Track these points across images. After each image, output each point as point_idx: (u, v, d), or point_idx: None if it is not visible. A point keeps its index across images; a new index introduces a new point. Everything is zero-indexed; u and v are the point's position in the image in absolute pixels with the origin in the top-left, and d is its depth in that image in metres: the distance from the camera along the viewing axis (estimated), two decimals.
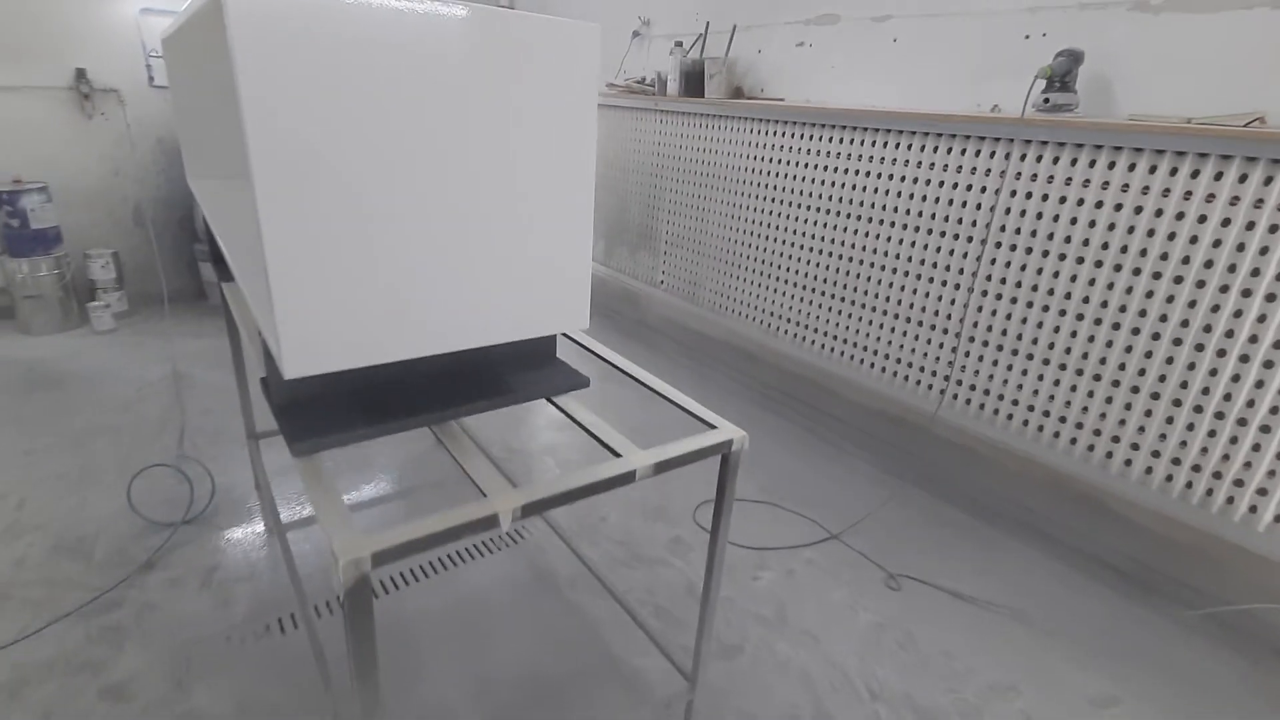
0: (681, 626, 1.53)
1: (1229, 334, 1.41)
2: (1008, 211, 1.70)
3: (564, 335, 1.11)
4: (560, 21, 0.71)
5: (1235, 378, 1.42)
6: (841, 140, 2.06)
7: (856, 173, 2.03)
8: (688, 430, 0.97)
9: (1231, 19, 1.49)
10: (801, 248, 2.25)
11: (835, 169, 2.10)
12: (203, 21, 0.77)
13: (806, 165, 2.18)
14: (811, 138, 2.15)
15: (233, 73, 0.53)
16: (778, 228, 2.32)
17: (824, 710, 1.34)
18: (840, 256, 2.12)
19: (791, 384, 2.55)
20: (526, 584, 1.64)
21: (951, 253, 1.83)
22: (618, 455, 0.90)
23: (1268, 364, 1.37)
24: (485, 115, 0.69)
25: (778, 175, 2.28)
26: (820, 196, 2.15)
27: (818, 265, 2.21)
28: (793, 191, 2.25)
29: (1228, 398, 1.43)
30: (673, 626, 1.53)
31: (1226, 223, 1.38)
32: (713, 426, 0.99)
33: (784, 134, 2.24)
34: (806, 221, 2.22)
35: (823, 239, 2.18)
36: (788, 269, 2.32)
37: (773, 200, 2.32)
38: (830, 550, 1.83)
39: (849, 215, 2.07)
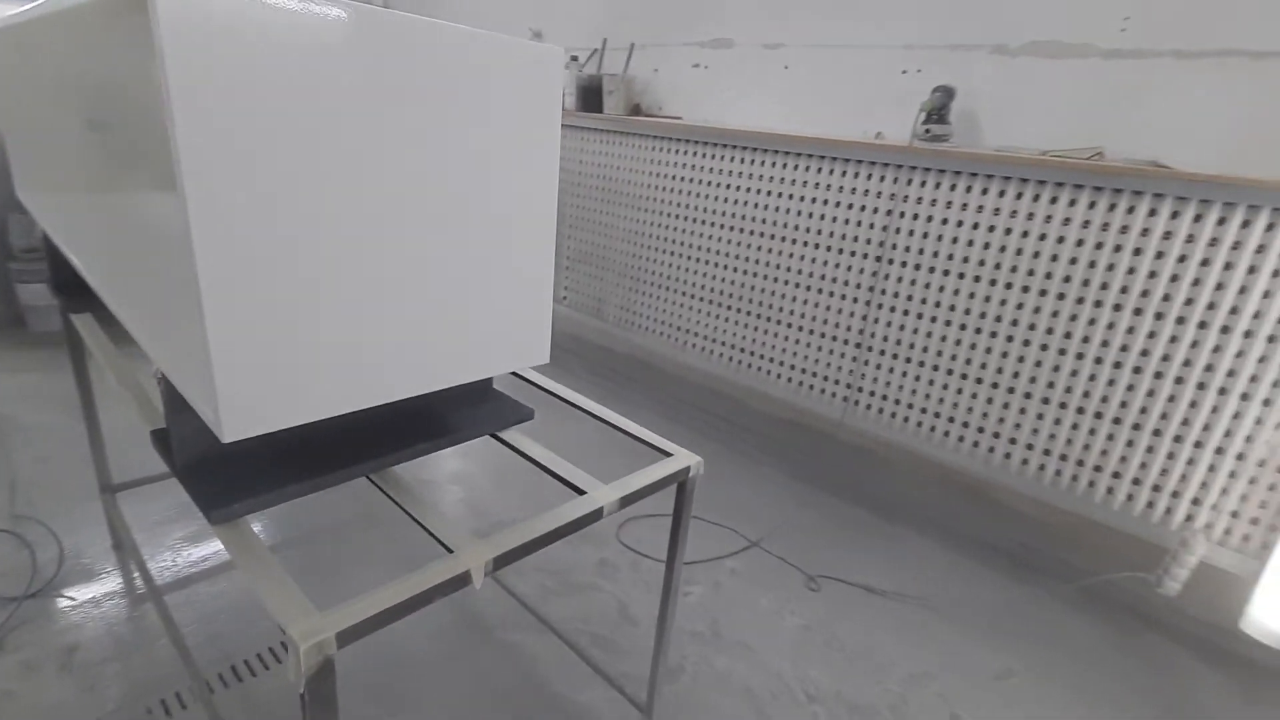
0: (622, 654, 1.51)
1: (1085, 339, 1.62)
2: (898, 231, 1.84)
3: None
4: (523, 42, 0.68)
5: (1091, 377, 1.62)
6: (741, 160, 2.14)
7: (757, 191, 2.12)
8: (619, 454, 0.95)
9: (1073, 65, 1.72)
10: (707, 263, 2.31)
11: (736, 187, 2.17)
12: (91, 15, 0.65)
13: (708, 183, 2.25)
14: (712, 156, 2.22)
15: (164, 75, 0.45)
16: (682, 244, 2.37)
17: (767, 717, 1.37)
18: (745, 272, 2.20)
19: (701, 397, 2.61)
20: (454, 632, 1.53)
21: (849, 268, 1.95)
22: (581, 492, 0.86)
23: (1116, 365, 1.59)
24: (443, 140, 0.64)
25: (680, 193, 2.33)
26: (723, 214, 2.22)
27: (724, 280, 2.28)
28: (696, 209, 2.30)
29: (1086, 394, 1.64)
30: (614, 655, 1.50)
31: (1080, 243, 1.59)
32: (669, 454, 0.98)
33: (685, 152, 2.29)
34: (711, 238, 2.28)
35: (728, 255, 2.25)
36: (694, 284, 2.37)
37: (676, 217, 2.37)
38: (752, 558, 1.88)
39: (752, 232, 2.15)
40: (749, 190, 2.14)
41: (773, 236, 2.10)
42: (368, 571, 1.69)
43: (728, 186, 2.20)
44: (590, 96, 2.61)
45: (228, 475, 0.76)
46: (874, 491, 2.23)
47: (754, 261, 2.17)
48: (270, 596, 0.61)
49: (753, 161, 2.11)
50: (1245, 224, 1.39)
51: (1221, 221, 1.41)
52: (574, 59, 2.75)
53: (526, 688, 1.40)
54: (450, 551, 0.72)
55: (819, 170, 1.96)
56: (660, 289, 2.49)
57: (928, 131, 1.79)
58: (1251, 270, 1.40)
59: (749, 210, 2.15)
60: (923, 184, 1.78)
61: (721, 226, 2.24)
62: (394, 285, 0.64)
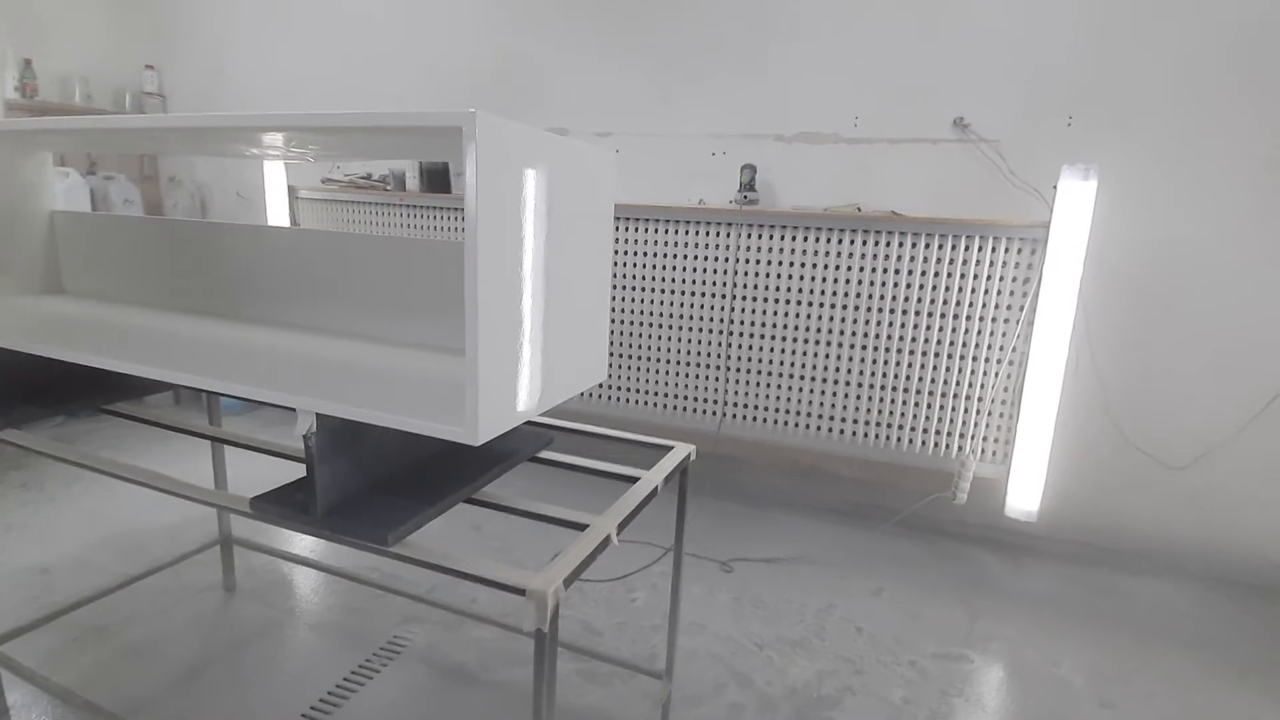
0: (600, 658, 1.69)
1: (877, 335, 2.25)
2: (736, 273, 2.35)
3: None
4: (600, 150, 0.96)
5: (885, 361, 2.25)
6: None
7: (618, 253, 2.51)
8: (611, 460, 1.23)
9: (829, 148, 2.42)
10: None
11: None
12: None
13: None
14: None
15: (474, 175, 0.67)
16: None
17: (737, 670, 1.67)
18: (619, 321, 2.56)
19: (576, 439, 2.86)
20: (438, 687, 1.58)
21: (705, 306, 2.41)
22: (634, 479, 1.11)
23: (898, 350, 2.24)
24: (581, 216, 0.90)
25: None
26: None
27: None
28: None
29: (882, 375, 2.26)
30: (595, 659, 1.68)
31: (861, 269, 2.23)
32: (670, 448, 1.27)
33: None
34: None
35: None
36: None
37: None
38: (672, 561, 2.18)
39: (621, 286, 2.53)
40: (616, 253, 2.52)
41: (638, 289, 2.50)
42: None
43: None
44: (437, 178, 2.80)
45: (366, 512, 0.88)
46: (745, 488, 2.69)
47: (626, 312, 2.53)
48: (495, 572, 0.78)
49: (616, 229, 2.50)
50: (954, 246, 2.12)
51: (941, 246, 2.13)
52: None
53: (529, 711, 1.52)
54: (583, 527, 0.93)
55: (667, 231, 2.42)
56: None
57: (744, 197, 2.35)
58: (962, 275, 2.13)
59: (616, 269, 2.52)
60: (748, 236, 2.32)
61: None
62: (558, 325, 0.87)
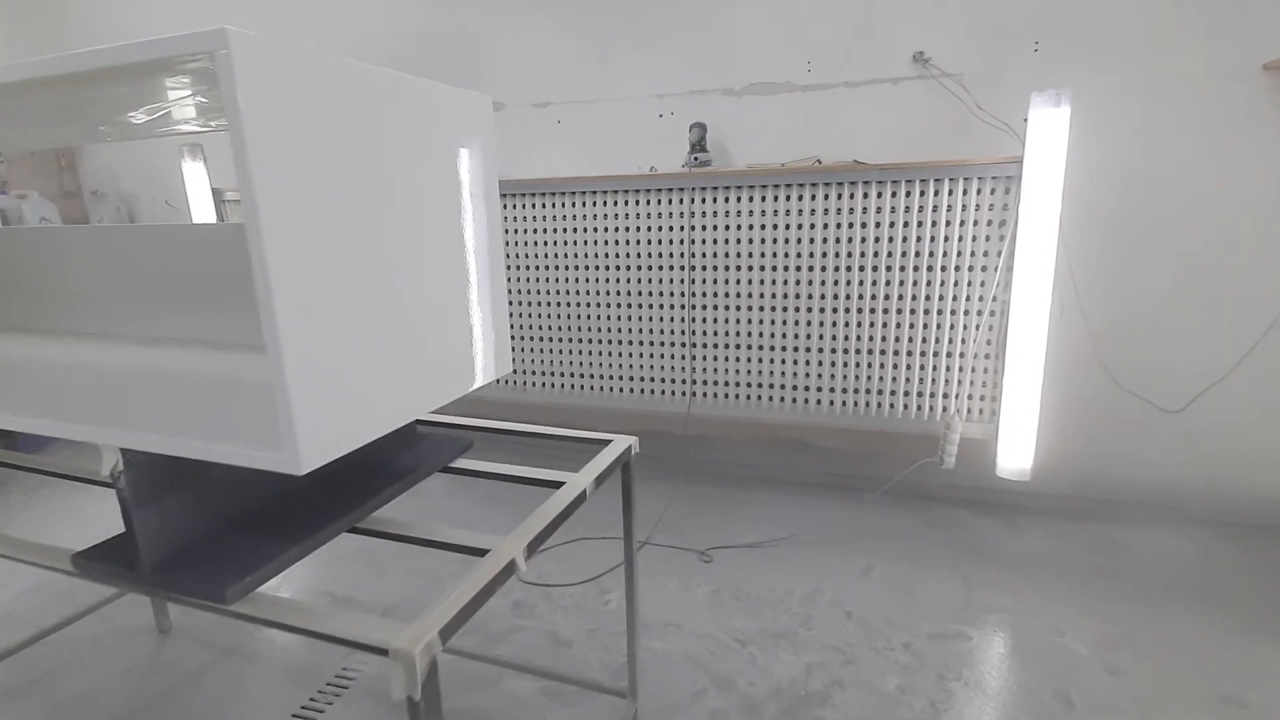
0: (570, 672, 1.55)
1: (847, 296, 2.09)
2: (693, 241, 2.18)
3: None
4: (463, 91, 0.79)
5: (859, 324, 2.10)
6: (540, 205, 2.34)
7: (564, 230, 2.33)
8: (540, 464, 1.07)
9: (782, 98, 2.23)
10: (532, 304, 2.45)
11: (546, 230, 2.36)
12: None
13: (519, 231, 2.40)
14: (509, 206, 2.38)
15: (239, 116, 0.49)
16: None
17: (717, 673, 1.53)
18: (572, 304, 2.39)
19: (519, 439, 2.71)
20: None
21: (662, 280, 2.24)
22: (559, 484, 0.96)
23: (871, 310, 2.08)
24: (426, 173, 0.72)
25: None
26: (538, 256, 2.39)
27: (552, 316, 2.43)
28: (513, 255, 2.43)
29: (857, 338, 2.11)
30: (569, 674, 1.54)
31: (825, 225, 2.06)
32: (609, 441, 1.11)
33: None
34: (532, 280, 2.43)
35: (551, 291, 2.41)
36: (524, 325, 2.49)
37: None
38: (648, 555, 2.04)
39: (568, 266, 2.35)
40: (556, 230, 2.34)
41: (586, 267, 2.32)
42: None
43: (535, 230, 2.37)
44: None
45: (210, 562, 0.72)
46: (722, 469, 2.55)
47: (576, 293, 2.36)
48: (349, 629, 0.62)
49: (549, 205, 2.32)
50: (922, 192, 1.96)
51: (909, 193, 1.97)
52: None
53: None
54: (484, 553, 0.77)
55: (615, 203, 2.24)
56: None
57: (695, 159, 2.17)
58: (934, 223, 1.97)
59: (559, 248, 2.35)
60: (702, 200, 2.14)
61: (537, 268, 2.40)
62: (411, 309, 0.69)
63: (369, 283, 0.63)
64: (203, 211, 2.88)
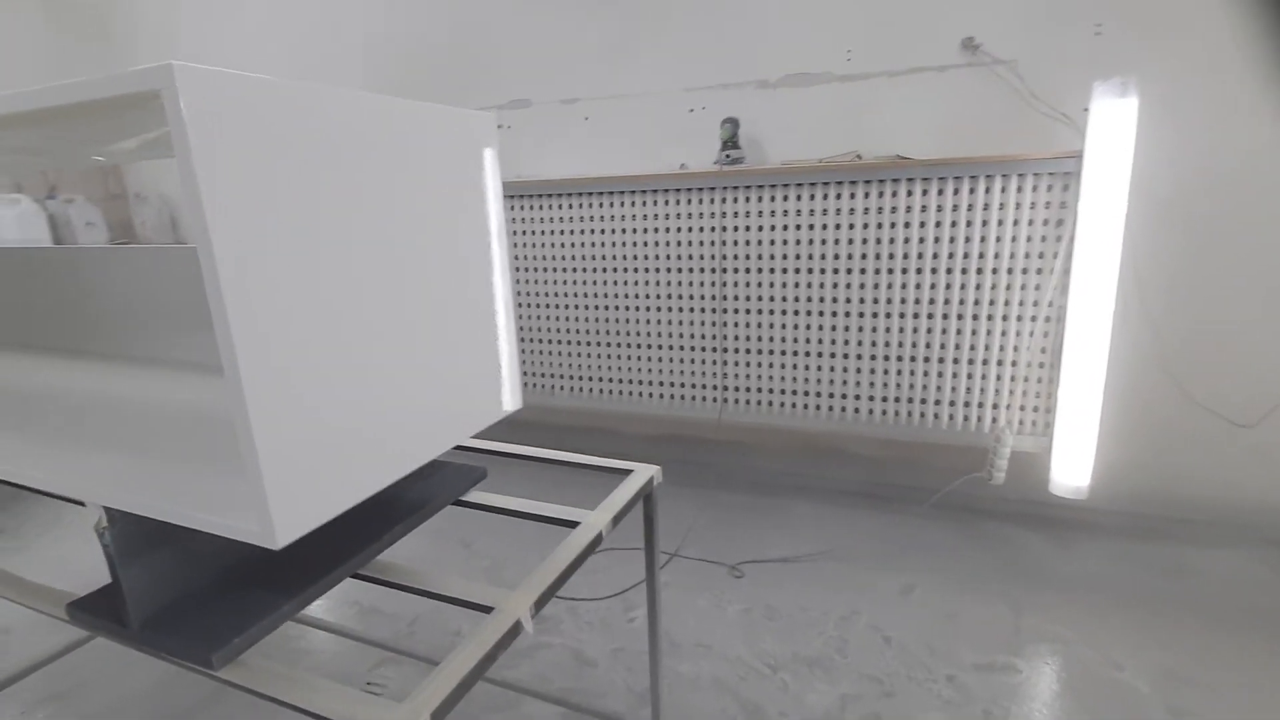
0: (595, 695, 1.50)
1: (888, 300, 1.98)
2: (724, 243, 2.09)
3: None
4: (457, 110, 0.73)
5: (900, 329, 1.99)
6: (569, 206, 2.28)
7: (592, 231, 2.26)
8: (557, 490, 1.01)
9: (820, 90, 2.12)
10: (557, 307, 2.39)
11: (574, 231, 2.30)
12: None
13: (539, 232, 2.35)
14: (537, 207, 2.32)
15: (187, 151, 0.44)
16: (530, 292, 2.43)
17: (747, 700, 1.46)
18: (599, 307, 2.32)
19: (574, 436, 2.66)
20: None
21: (693, 283, 2.16)
22: (574, 524, 0.90)
23: (915, 315, 1.96)
24: (409, 201, 0.66)
25: (517, 245, 2.39)
26: (568, 258, 2.33)
27: (579, 319, 2.38)
28: (536, 257, 2.38)
29: (900, 344, 2.00)
30: (589, 698, 1.49)
31: (865, 225, 1.95)
32: (629, 472, 1.05)
33: (510, 206, 2.36)
34: (559, 282, 2.37)
35: (579, 294, 2.35)
36: (548, 329, 2.44)
37: (518, 269, 2.42)
38: (676, 568, 1.98)
39: (596, 269, 2.29)
40: (583, 232, 2.28)
41: (616, 269, 2.26)
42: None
43: (560, 232, 2.31)
44: None
45: (202, 619, 0.68)
46: (754, 477, 2.46)
47: (606, 296, 2.30)
48: (345, 710, 0.57)
49: (576, 206, 2.26)
50: (971, 189, 1.83)
51: (956, 190, 1.84)
52: None
53: None
54: (489, 610, 0.72)
55: (643, 204, 2.16)
56: (522, 340, 2.51)
57: (727, 157, 2.08)
58: (984, 223, 1.84)
59: (587, 250, 2.28)
60: (735, 200, 2.05)
61: (564, 270, 2.34)
62: (400, 356, 0.64)
63: (349, 330, 0.58)
64: None
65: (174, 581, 0.69)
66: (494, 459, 1.13)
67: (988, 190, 1.81)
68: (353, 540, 0.81)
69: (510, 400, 0.83)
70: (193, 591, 0.71)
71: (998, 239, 1.83)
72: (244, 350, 0.47)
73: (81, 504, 0.94)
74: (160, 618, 0.67)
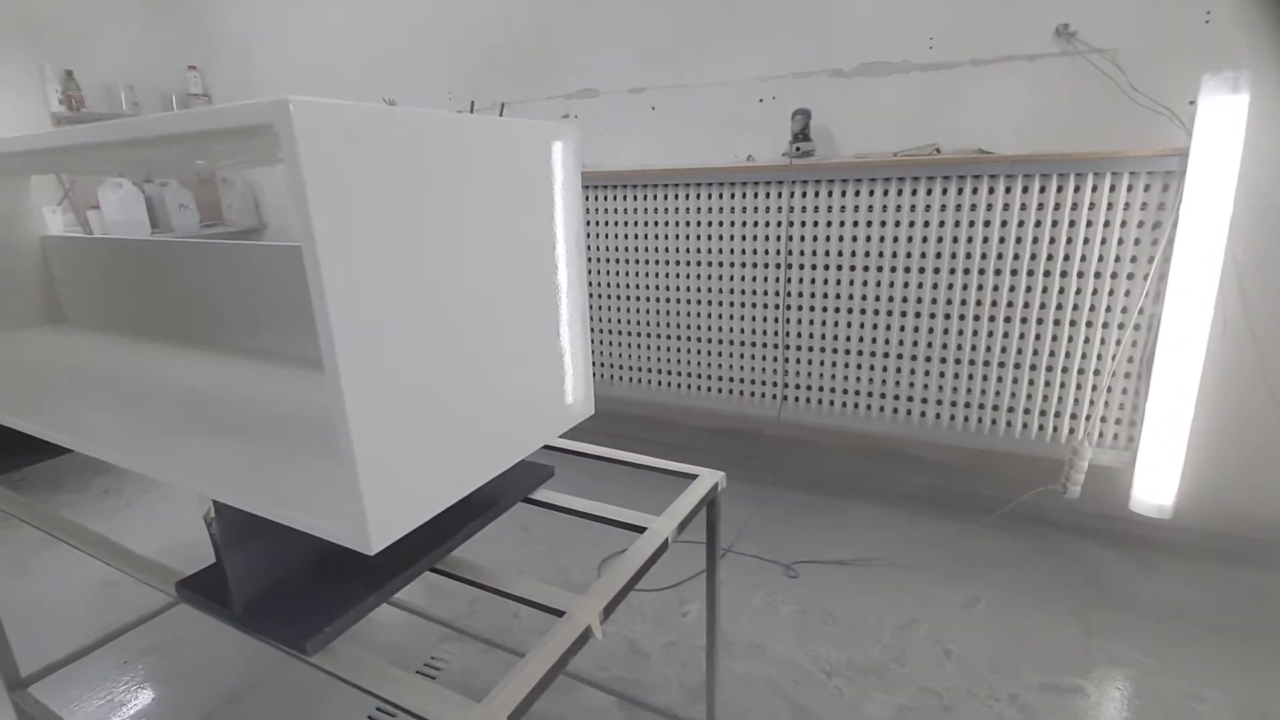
0: (646, 688, 1.53)
1: (963, 302, 1.90)
2: (790, 238, 2.05)
3: None
4: (540, 122, 0.74)
5: (974, 332, 1.91)
6: (633, 197, 2.28)
7: (656, 224, 2.26)
8: (621, 489, 1.02)
9: (898, 79, 2.04)
10: (624, 297, 2.41)
11: (639, 223, 2.30)
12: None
13: (602, 223, 2.36)
14: (602, 198, 2.33)
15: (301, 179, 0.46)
16: (592, 283, 2.45)
17: (801, 705, 1.46)
18: (660, 299, 2.33)
19: (635, 425, 2.69)
20: None
21: (756, 278, 2.14)
22: (640, 529, 0.91)
23: (991, 319, 1.88)
24: (503, 212, 0.68)
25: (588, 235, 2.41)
26: (632, 250, 2.34)
27: (642, 311, 2.39)
28: (598, 248, 2.40)
29: (972, 348, 1.92)
30: (640, 689, 1.52)
31: (941, 224, 1.87)
32: (694, 476, 1.05)
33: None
34: (622, 273, 2.39)
35: (641, 285, 2.36)
36: (610, 319, 2.46)
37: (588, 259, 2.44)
38: (731, 563, 1.98)
39: (659, 261, 2.29)
40: (649, 224, 2.27)
41: (679, 263, 2.25)
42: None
43: (628, 223, 2.32)
44: None
45: (296, 605, 0.73)
46: (813, 475, 2.43)
47: (668, 289, 2.30)
48: (425, 704, 0.61)
49: (646, 197, 2.25)
50: (1059, 188, 1.73)
51: (1043, 189, 1.75)
52: None
53: None
54: (561, 614, 0.74)
55: (710, 196, 2.14)
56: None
57: (797, 150, 2.03)
58: (1071, 224, 1.74)
59: (652, 242, 2.28)
60: (803, 195, 2.01)
61: (627, 261, 2.35)
62: (488, 365, 0.66)
63: (443, 338, 0.60)
64: None
65: (270, 568, 0.74)
66: (559, 455, 1.16)
67: (1077, 189, 1.71)
68: (431, 536, 0.84)
69: (586, 405, 0.85)
70: (287, 578, 0.75)
71: (1086, 240, 1.73)
72: (345, 360, 0.50)
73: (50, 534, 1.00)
74: (259, 602, 0.72)
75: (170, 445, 0.78)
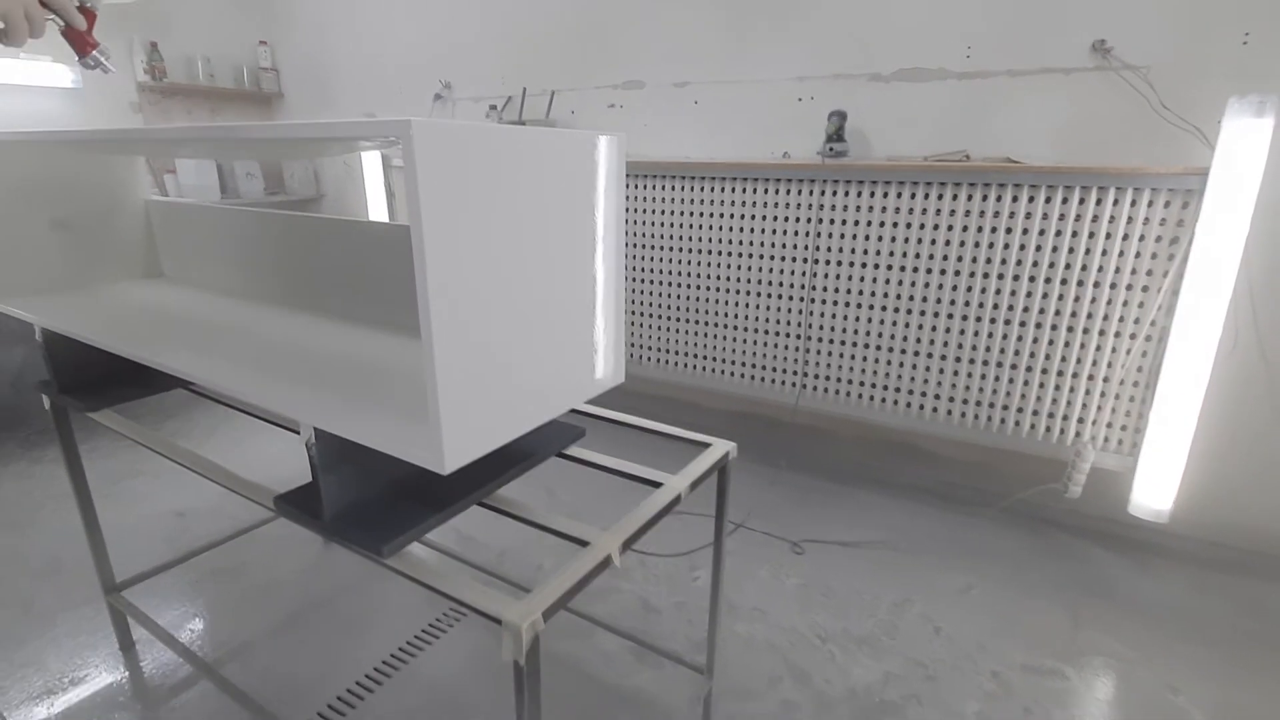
0: (655, 637, 1.68)
1: (980, 305, 1.99)
2: (819, 235, 2.15)
3: None
4: (596, 135, 0.87)
5: (989, 334, 1.99)
6: (671, 188, 2.40)
7: (691, 213, 2.38)
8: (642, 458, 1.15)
9: (934, 86, 2.11)
10: (654, 282, 2.54)
11: (675, 212, 2.42)
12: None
13: (640, 210, 2.48)
14: (641, 186, 2.45)
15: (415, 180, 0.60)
16: (632, 266, 2.59)
17: (795, 665, 1.60)
18: (690, 285, 2.45)
19: (658, 405, 2.83)
20: (496, 655, 1.65)
21: (784, 270, 2.24)
22: (657, 484, 1.05)
23: (1007, 322, 1.97)
24: (561, 205, 0.82)
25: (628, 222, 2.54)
26: (668, 237, 2.46)
27: (672, 296, 2.51)
28: (634, 234, 2.53)
29: (986, 349, 2.01)
30: (653, 638, 1.67)
31: (964, 229, 1.95)
32: (708, 444, 1.19)
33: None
34: (655, 259, 2.51)
35: (672, 271, 2.49)
36: (642, 303, 2.59)
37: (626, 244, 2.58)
38: (742, 538, 2.12)
39: (691, 249, 2.41)
40: (685, 214, 2.39)
41: (713, 252, 2.37)
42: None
43: (666, 213, 2.44)
44: None
45: (375, 519, 0.89)
46: (826, 462, 2.55)
47: (698, 275, 2.42)
48: (475, 597, 0.76)
49: (686, 188, 2.37)
50: (1081, 200, 1.80)
51: (1065, 200, 1.82)
52: (492, 107, 2.91)
53: (580, 686, 1.55)
54: (586, 544, 0.89)
55: (748, 190, 2.25)
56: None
57: (831, 150, 2.12)
58: (1090, 235, 1.81)
59: (687, 231, 2.40)
60: (834, 193, 2.10)
61: (661, 248, 2.48)
62: (541, 327, 0.81)
63: (510, 311, 0.74)
64: (372, 174, 3.21)
65: (355, 489, 0.90)
66: (589, 420, 1.30)
67: (1099, 202, 1.78)
68: (482, 475, 1.00)
69: (617, 374, 0.99)
70: (366, 501, 0.92)
71: (1104, 252, 1.80)
72: (438, 320, 0.64)
73: (257, 419, 1.18)
74: (344, 515, 0.89)
75: (274, 382, 0.95)
